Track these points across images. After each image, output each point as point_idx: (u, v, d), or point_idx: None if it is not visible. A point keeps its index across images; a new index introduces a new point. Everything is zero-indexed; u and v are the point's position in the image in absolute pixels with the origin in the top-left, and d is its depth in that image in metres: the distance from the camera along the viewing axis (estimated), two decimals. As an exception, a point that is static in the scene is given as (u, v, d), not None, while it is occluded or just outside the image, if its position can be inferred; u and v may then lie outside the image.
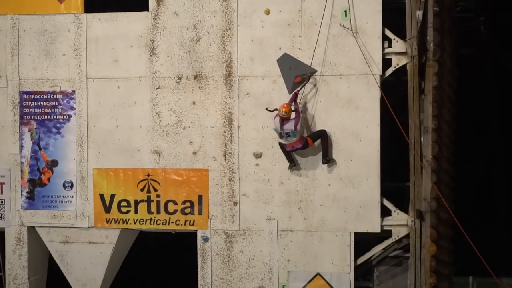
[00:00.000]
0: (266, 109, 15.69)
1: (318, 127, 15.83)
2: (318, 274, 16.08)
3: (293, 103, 15.37)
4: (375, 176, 15.75)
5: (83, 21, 16.72)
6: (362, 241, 16.22)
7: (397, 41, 15.76)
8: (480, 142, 20.31)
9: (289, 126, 15.24)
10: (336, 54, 15.79)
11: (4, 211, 17.10)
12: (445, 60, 15.99)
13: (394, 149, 15.99)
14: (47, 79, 16.88)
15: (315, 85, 15.85)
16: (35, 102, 16.93)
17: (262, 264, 16.30)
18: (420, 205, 15.59)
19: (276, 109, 15.47)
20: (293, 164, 15.89)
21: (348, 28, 15.64)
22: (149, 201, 16.59)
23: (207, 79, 16.33)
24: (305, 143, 15.50)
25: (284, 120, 15.25)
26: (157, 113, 16.50)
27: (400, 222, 15.92)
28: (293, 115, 15.28)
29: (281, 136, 15.37)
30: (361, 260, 16.22)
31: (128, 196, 16.66)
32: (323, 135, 15.70)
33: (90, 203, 16.80)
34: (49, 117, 16.89)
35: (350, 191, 15.86)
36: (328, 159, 15.74)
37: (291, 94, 15.55)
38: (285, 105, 15.24)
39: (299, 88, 15.59)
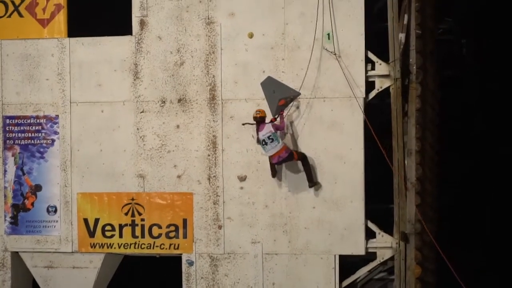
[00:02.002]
0: (243, 124, 15.68)
1: (303, 150, 15.84)
2: (303, 297, 16.07)
3: (279, 117, 15.52)
4: (359, 199, 15.78)
5: (67, 46, 16.73)
6: (347, 264, 16.20)
7: (380, 64, 15.84)
8: (464, 163, 20.36)
9: (267, 129, 15.29)
10: (319, 77, 15.85)
11: (-13, 236, 17.03)
12: (428, 83, 16.06)
13: (378, 171, 16.01)
14: (30, 103, 16.84)
15: (297, 107, 15.89)
16: (19, 127, 16.88)
17: (247, 287, 16.25)
18: (405, 227, 15.61)
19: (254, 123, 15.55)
20: (275, 174, 15.93)
21: (331, 52, 15.72)
22: (133, 225, 16.54)
23: (191, 103, 16.34)
24: (290, 153, 15.51)
25: (260, 125, 15.35)
26: (141, 137, 16.48)
27: (384, 244, 15.94)
28: (269, 119, 15.48)
29: (264, 143, 15.35)
30: (346, 282, 16.18)
31: (113, 220, 16.60)
32: (304, 159, 15.72)
33: (74, 228, 16.73)
34: (32, 141, 16.85)
35: (334, 213, 15.87)
36: (314, 183, 15.77)
37: (278, 117, 15.58)
38: (256, 110, 15.45)
39: (282, 110, 15.60)
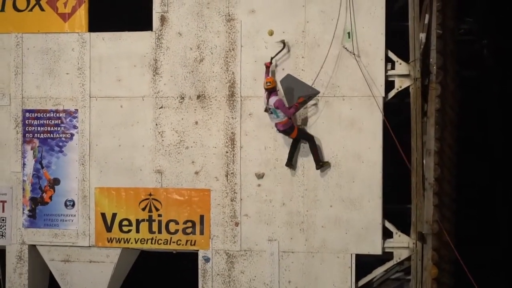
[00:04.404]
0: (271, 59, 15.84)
1: (322, 148, 15.82)
2: (319, 295, 16.06)
3: (292, 106, 15.56)
4: (377, 198, 15.75)
5: (87, 40, 16.77)
6: (364, 263, 16.17)
7: (400, 63, 15.80)
8: (482, 164, 20.27)
9: (272, 101, 15.39)
10: (339, 76, 15.82)
11: (5, 229, 17.08)
12: (448, 83, 15.99)
13: (396, 171, 15.97)
14: (50, 97, 16.91)
15: (315, 104, 15.86)
16: (38, 121, 16.95)
17: (263, 285, 16.25)
18: (422, 227, 15.57)
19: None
20: (290, 163, 15.94)
21: (350, 52, 15.68)
22: (150, 220, 16.57)
23: (210, 99, 16.35)
24: (289, 128, 15.57)
25: (270, 94, 15.46)
26: (159, 133, 16.51)
27: (401, 244, 15.89)
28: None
29: (267, 110, 15.60)
30: (362, 282, 16.17)
31: (130, 215, 16.64)
32: (310, 140, 15.75)
33: (92, 222, 16.78)
34: (51, 135, 16.91)
35: (351, 212, 15.85)
36: (321, 164, 15.76)
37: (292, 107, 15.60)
38: (267, 77, 15.53)
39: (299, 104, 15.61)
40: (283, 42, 15.90)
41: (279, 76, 15.94)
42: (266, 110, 15.71)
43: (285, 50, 15.93)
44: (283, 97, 15.79)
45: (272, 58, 15.85)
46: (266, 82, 15.49)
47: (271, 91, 15.51)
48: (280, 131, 15.69)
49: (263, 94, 15.71)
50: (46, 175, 16.93)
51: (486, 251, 19.55)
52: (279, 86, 15.86)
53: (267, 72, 15.75)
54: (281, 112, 15.39)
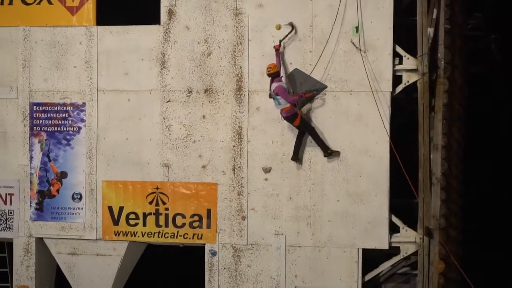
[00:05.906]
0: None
1: (329, 142, 15.81)
2: (325, 290, 16.07)
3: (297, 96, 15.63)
4: (384, 193, 15.74)
5: (95, 34, 16.78)
6: (370, 258, 16.17)
7: (408, 58, 15.77)
8: (489, 161, 20.26)
9: (272, 87, 15.50)
10: (346, 70, 15.80)
11: (12, 222, 17.12)
12: (455, 78, 15.99)
13: (404, 165, 15.95)
14: (57, 90, 16.93)
15: (322, 98, 15.85)
16: (46, 114, 16.97)
17: (270, 279, 16.27)
18: (429, 222, 15.56)
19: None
20: (296, 157, 15.91)
21: (357, 47, 15.65)
22: (157, 214, 16.59)
23: (218, 93, 16.35)
24: (292, 116, 15.58)
25: (273, 79, 15.51)
26: (167, 126, 16.52)
27: (408, 239, 15.88)
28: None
29: (270, 96, 15.67)
30: (369, 276, 16.17)
31: (137, 208, 16.67)
32: (312, 132, 15.75)
33: (99, 215, 16.81)
34: (59, 128, 16.93)
35: (358, 207, 15.84)
36: (329, 152, 15.76)
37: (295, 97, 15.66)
38: (269, 64, 15.57)
39: (305, 95, 15.63)
40: (291, 24, 15.85)
41: (287, 71, 15.93)
42: (270, 96, 15.72)
43: (293, 33, 15.91)
44: (289, 81, 15.78)
45: (281, 41, 15.83)
46: (268, 68, 15.51)
47: (273, 76, 15.51)
48: (284, 118, 15.68)
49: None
50: (53, 168, 16.96)
51: (492, 249, 19.59)
52: (284, 79, 15.87)
53: (277, 55, 15.73)
54: (282, 99, 15.39)
